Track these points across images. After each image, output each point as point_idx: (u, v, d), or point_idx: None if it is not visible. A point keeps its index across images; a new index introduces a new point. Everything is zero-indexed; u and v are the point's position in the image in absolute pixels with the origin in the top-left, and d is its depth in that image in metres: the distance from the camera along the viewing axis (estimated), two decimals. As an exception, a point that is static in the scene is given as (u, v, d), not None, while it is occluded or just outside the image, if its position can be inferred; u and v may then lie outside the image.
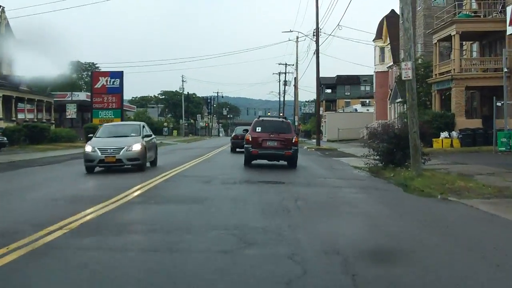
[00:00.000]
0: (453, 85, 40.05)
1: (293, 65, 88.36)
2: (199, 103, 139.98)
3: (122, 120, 70.15)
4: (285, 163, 24.43)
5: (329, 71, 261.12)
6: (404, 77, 19.53)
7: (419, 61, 47.59)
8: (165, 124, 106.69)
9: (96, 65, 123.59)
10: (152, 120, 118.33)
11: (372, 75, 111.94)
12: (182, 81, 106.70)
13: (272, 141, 23.22)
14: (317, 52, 47.67)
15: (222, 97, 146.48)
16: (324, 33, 47.26)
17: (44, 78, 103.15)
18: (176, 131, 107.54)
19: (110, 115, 68.78)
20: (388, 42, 65.70)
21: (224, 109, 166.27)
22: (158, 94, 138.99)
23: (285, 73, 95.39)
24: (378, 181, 19.29)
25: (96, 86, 68.86)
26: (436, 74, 43.60)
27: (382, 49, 68.49)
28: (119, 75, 68.80)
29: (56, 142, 48.82)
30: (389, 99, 66.15)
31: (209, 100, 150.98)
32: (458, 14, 42.86)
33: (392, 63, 64.14)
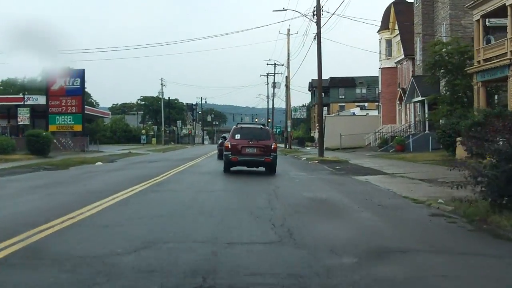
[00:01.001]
0: (511, 73, 28.25)
1: (283, 64, 76.57)
2: (182, 109, 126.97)
3: (83, 128, 58.23)
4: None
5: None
6: None
7: (451, 46, 35.82)
8: (143, 131, 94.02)
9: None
10: (131, 127, 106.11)
11: (369, 77, 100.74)
12: (161, 84, 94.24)
13: (251, 147, 22.60)
14: (318, 36, 35.77)
15: (206, 102, 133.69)
16: (327, 12, 35.25)
17: (17, 79, 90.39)
18: (155, 139, 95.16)
19: (70, 121, 56.39)
20: (397, 32, 53.99)
21: (209, 115, 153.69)
22: (138, 99, 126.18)
23: (274, 74, 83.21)
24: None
25: (52, 88, 56.49)
26: (479, 61, 31.80)
27: (389, 42, 56.65)
28: (79, 74, 56.28)
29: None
30: (398, 100, 54.42)
31: (194, 107, 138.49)
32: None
33: (403, 57, 52.38)
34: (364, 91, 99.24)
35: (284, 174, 23.42)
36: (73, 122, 55.80)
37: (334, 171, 25.62)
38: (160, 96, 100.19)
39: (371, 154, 41.01)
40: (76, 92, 56.07)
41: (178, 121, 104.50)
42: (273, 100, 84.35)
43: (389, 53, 56.90)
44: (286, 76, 61.74)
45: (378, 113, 62.54)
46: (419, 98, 42.87)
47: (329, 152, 44.68)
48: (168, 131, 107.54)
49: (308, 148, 67.15)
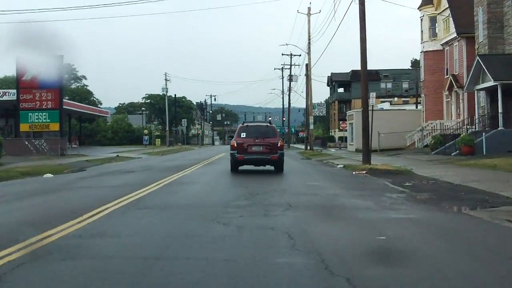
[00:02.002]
0: None
1: (300, 55, 65.29)
2: (190, 108, 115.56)
3: (61, 126, 47.22)
4: None
5: (341, 65, 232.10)
6: None
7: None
8: (145, 132, 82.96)
9: (74, 67, 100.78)
10: (134, 128, 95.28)
11: (395, 69, 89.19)
12: (165, 79, 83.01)
13: (257, 146, 21.96)
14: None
15: (215, 100, 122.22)
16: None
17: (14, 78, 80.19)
18: (159, 140, 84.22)
19: (45, 119, 45.22)
20: (445, 6, 42.47)
21: (220, 114, 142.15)
22: (143, 98, 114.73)
23: (290, 65, 71.86)
24: None
25: (23, 79, 45.64)
26: None
27: (433, 19, 45.09)
28: (56, 62, 45.29)
29: None
30: (447, 90, 42.93)
31: (204, 106, 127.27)
32: None
33: (454, 36, 40.87)
34: (389, 85, 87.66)
35: (330, 204, 12.25)
36: (49, 120, 44.83)
37: (412, 194, 14.28)
38: (165, 93, 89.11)
39: (429, 158, 29.58)
40: (53, 84, 45.02)
41: (183, 120, 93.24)
42: (289, 94, 73.11)
43: (433, 33, 45.40)
44: (307, 64, 50.34)
45: (417, 107, 51.11)
46: (491, 83, 31.34)
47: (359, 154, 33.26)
48: (175, 131, 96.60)
49: (332, 150, 55.85)
